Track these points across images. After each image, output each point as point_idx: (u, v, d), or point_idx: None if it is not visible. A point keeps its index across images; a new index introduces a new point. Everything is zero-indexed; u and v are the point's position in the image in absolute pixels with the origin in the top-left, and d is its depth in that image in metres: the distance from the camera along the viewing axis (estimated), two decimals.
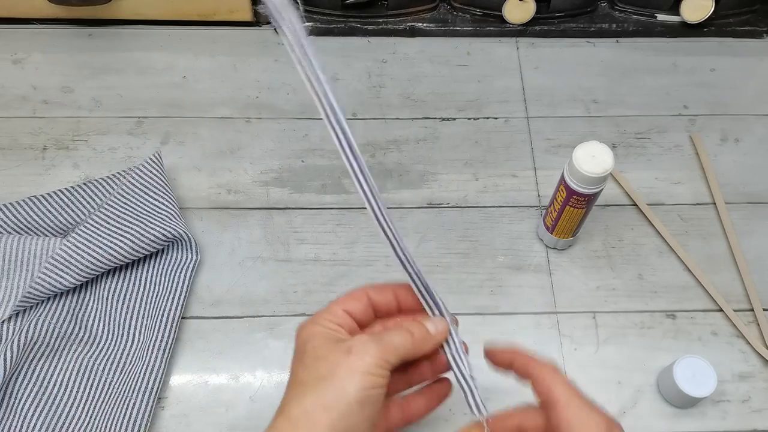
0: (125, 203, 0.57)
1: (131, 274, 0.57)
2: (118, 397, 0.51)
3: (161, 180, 0.59)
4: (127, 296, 0.56)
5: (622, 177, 0.64)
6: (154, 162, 0.59)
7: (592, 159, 0.49)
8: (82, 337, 0.54)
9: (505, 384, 0.54)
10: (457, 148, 0.66)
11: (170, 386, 0.53)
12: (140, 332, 0.54)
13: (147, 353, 0.52)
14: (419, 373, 0.42)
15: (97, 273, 0.54)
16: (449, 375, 0.42)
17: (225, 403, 0.52)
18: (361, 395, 0.35)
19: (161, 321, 0.53)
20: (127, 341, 0.54)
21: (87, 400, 0.51)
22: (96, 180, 0.59)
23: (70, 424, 0.50)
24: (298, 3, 0.59)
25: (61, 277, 0.53)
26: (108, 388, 0.52)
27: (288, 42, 0.36)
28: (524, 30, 0.73)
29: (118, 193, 0.57)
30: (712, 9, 0.70)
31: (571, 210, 0.54)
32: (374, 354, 0.36)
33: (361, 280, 0.57)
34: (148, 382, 0.51)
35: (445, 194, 0.63)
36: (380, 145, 0.66)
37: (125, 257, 0.54)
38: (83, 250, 0.53)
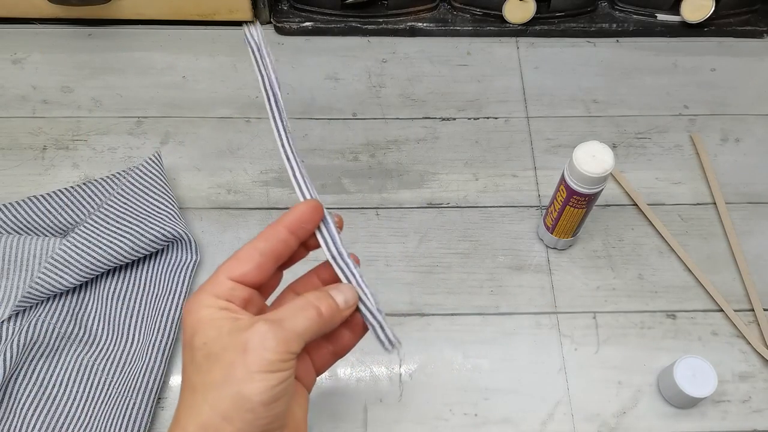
0: (125, 203, 0.56)
1: (131, 274, 0.57)
2: (118, 397, 0.51)
3: (161, 180, 0.59)
4: (127, 296, 0.56)
5: (622, 177, 0.64)
6: (153, 162, 0.59)
7: (593, 159, 0.49)
8: (82, 337, 0.53)
9: (505, 384, 0.54)
10: (457, 148, 0.66)
11: (170, 386, 0.53)
12: (140, 332, 0.54)
13: (147, 353, 0.52)
14: (338, 339, 0.38)
15: (97, 273, 0.54)
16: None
17: None
18: (266, 397, 0.31)
19: (161, 321, 0.53)
20: (127, 341, 0.54)
21: (87, 401, 0.51)
22: (96, 180, 0.59)
23: (69, 424, 0.50)
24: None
25: (61, 277, 0.53)
26: (108, 389, 0.52)
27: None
28: (524, 30, 0.73)
29: (118, 193, 0.57)
30: (713, 9, 0.70)
31: (571, 210, 0.54)
32: (274, 348, 0.31)
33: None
34: (148, 382, 0.51)
35: (445, 194, 0.63)
36: (380, 145, 0.66)
37: (125, 257, 0.54)
38: (83, 250, 0.53)
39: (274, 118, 0.38)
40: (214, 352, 0.31)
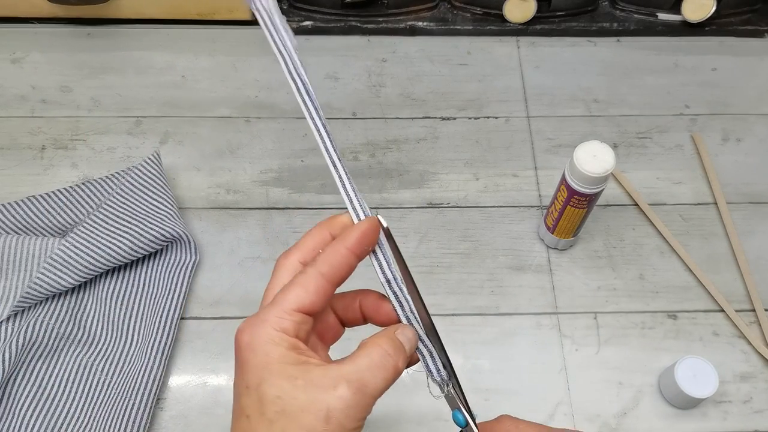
0: (124, 203, 0.56)
1: (130, 274, 0.56)
2: (117, 397, 0.51)
3: (160, 180, 0.58)
4: (126, 296, 0.55)
5: (623, 177, 0.64)
6: (153, 162, 0.59)
7: (593, 159, 0.49)
8: (81, 337, 0.53)
9: (506, 384, 0.54)
10: (458, 147, 0.66)
11: (169, 387, 0.53)
12: (139, 333, 0.54)
13: (146, 354, 0.52)
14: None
15: (96, 273, 0.54)
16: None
17: (224, 404, 0.52)
18: None
19: (160, 321, 0.53)
20: (126, 342, 0.54)
21: (86, 401, 0.51)
22: (95, 180, 0.59)
23: (68, 424, 0.50)
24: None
25: (60, 277, 0.52)
26: (107, 389, 0.51)
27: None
28: (525, 29, 0.73)
29: (117, 192, 0.57)
30: (714, 8, 0.70)
31: (572, 210, 0.53)
32: (356, 416, 0.30)
33: (361, 281, 0.57)
34: (147, 382, 0.50)
35: (446, 194, 0.63)
36: (380, 145, 0.66)
37: (124, 257, 0.54)
38: (82, 250, 0.53)
39: (310, 115, 0.34)
40: (290, 411, 0.29)
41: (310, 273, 0.32)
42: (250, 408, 0.30)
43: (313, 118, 0.34)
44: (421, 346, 0.34)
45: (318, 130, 0.34)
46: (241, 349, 0.31)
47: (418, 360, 0.35)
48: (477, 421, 0.36)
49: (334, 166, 0.34)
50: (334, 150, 0.34)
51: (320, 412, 0.29)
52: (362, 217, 0.34)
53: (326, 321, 0.35)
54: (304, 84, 0.34)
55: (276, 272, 0.33)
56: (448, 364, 0.35)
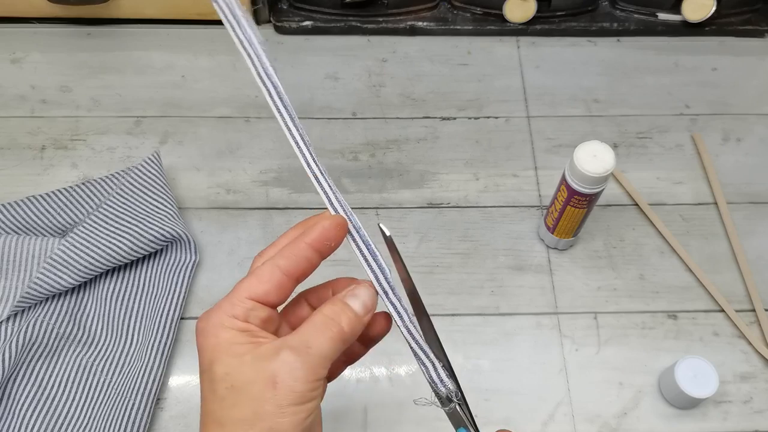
0: (124, 203, 0.56)
1: (130, 274, 0.56)
2: (117, 397, 0.51)
3: (160, 180, 0.58)
4: (126, 296, 0.55)
5: (623, 177, 0.64)
6: (152, 162, 0.59)
7: (594, 159, 0.49)
8: (81, 337, 0.53)
9: (506, 385, 0.54)
10: (458, 147, 0.66)
11: (169, 387, 0.53)
12: (139, 333, 0.54)
13: (146, 354, 0.52)
14: (353, 352, 0.36)
15: (96, 273, 0.54)
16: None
17: None
18: (299, 429, 0.30)
19: (160, 321, 0.53)
20: (126, 342, 0.54)
21: (86, 401, 0.51)
22: (94, 180, 0.59)
23: (68, 425, 0.50)
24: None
25: (60, 277, 0.52)
26: (107, 389, 0.51)
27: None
28: (525, 29, 0.73)
29: (117, 193, 0.57)
30: (714, 8, 0.70)
31: (572, 210, 0.53)
32: (304, 378, 0.30)
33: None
34: (147, 382, 0.50)
35: (446, 194, 0.63)
36: (380, 145, 0.65)
37: (124, 257, 0.54)
38: (82, 250, 0.53)
39: (281, 115, 0.34)
40: (238, 385, 0.30)
41: (266, 265, 0.32)
42: (205, 389, 0.31)
43: (282, 116, 0.34)
44: (423, 356, 0.34)
45: (289, 130, 0.34)
46: (197, 335, 0.32)
47: (379, 318, 0.35)
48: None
49: (309, 166, 0.34)
50: (308, 150, 0.34)
51: (267, 380, 0.29)
52: (341, 214, 0.34)
53: (299, 314, 0.36)
54: (271, 81, 0.34)
55: (249, 270, 0.34)
56: (452, 378, 0.34)
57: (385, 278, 0.33)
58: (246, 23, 0.33)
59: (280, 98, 0.34)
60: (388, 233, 0.34)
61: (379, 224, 0.34)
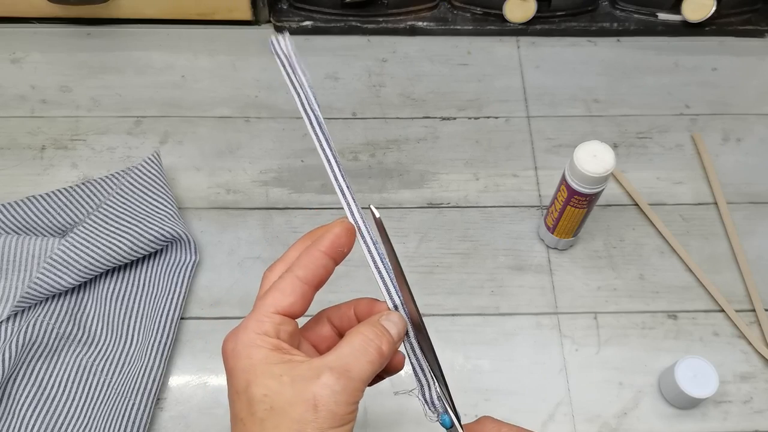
0: (124, 203, 0.56)
1: (130, 274, 0.56)
2: (116, 398, 0.51)
3: (160, 180, 0.58)
4: (126, 296, 0.55)
5: (623, 177, 0.64)
6: (152, 162, 0.59)
7: (594, 159, 0.49)
8: (81, 337, 0.53)
9: (506, 385, 0.54)
10: (458, 147, 0.66)
11: (169, 387, 0.53)
12: (139, 333, 0.54)
13: (146, 354, 0.52)
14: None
15: (96, 273, 0.54)
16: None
17: (224, 405, 0.52)
18: None
19: (160, 321, 0.53)
20: (125, 342, 0.54)
21: (86, 401, 0.51)
22: (94, 180, 0.59)
23: (68, 425, 0.50)
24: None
25: (60, 277, 0.52)
26: (107, 389, 0.51)
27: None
28: (525, 29, 0.73)
29: (117, 193, 0.57)
30: (714, 8, 0.70)
31: (572, 210, 0.53)
32: (345, 401, 0.30)
33: (361, 281, 0.57)
34: (147, 382, 0.50)
35: (446, 194, 0.63)
36: (380, 145, 0.65)
37: (124, 257, 0.54)
38: (82, 250, 0.53)
39: (320, 143, 0.36)
40: (278, 407, 0.30)
41: (286, 277, 0.33)
42: (242, 411, 0.31)
43: (324, 150, 0.36)
44: (420, 373, 0.35)
45: (328, 160, 0.36)
46: (227, 357, 0.32)
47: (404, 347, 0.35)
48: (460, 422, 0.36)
49: (343, 194, 0.36)
50: (343, 178, 0.36)
51: (308, 402, 0.29)
52: (363, 227, 0.35)
53: (320, 332, 0.36)
54: (317, 118, 0.37)
55: (262, 285, 0.34)
56: (437, 368, 0.35)
57: (398, 294, 0.34)
58: (299, 68, 0.38)
59: (323, 133, 0.37)
60: (377, 215, 0.35)
61: (370, 206, 0.35)
